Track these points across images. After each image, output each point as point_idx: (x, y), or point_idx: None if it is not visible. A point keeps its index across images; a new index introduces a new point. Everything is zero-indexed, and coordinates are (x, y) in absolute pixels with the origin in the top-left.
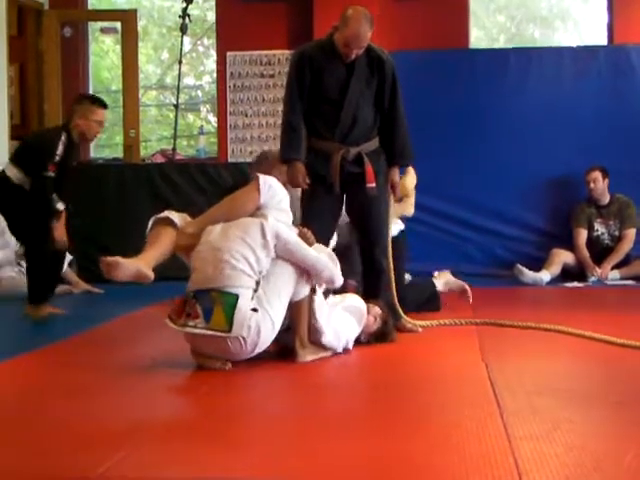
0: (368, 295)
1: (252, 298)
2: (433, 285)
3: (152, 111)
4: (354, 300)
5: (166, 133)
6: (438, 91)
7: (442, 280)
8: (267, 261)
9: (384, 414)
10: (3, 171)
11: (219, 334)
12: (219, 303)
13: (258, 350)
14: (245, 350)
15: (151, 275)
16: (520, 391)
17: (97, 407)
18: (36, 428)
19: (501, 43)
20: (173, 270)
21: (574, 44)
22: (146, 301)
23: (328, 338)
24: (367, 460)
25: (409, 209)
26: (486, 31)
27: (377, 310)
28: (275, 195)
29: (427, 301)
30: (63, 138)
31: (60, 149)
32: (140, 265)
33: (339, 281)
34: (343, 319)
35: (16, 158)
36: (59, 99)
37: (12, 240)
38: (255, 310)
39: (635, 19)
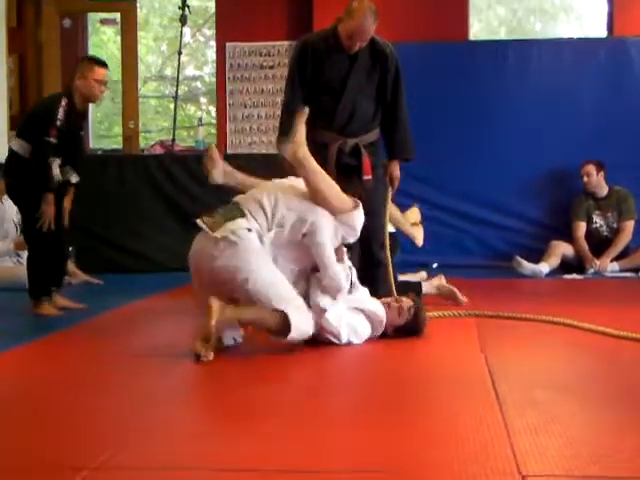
0: (367, 287)
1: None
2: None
3: (152, 102)
4: (375, 306)
5: (166, 124)
6: (437, 83)
7: (434, 284)
8: (287, 229)
9: (382, 406)
10: (10, 148)
11: (207, 231)
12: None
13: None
14: (216, 261)
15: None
16: (519, 383)
17: (96, 398)
18: (33, 419)
19: (502, 35)
20: (173, 262)
21: (575, 36)
22: (146, 292)
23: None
24: (365, 452)
25: (419, 239)
26: (486, 23)
27: (407, 302)
28: (352, 226)
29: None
30: (63, 103)
31: (61, 113)
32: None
33: (337, 296)
34: (357, 322)
35: (20, 130)
36: (58, 90)
37: (11, 230)
38: (249, 230)
39: (635, 11)
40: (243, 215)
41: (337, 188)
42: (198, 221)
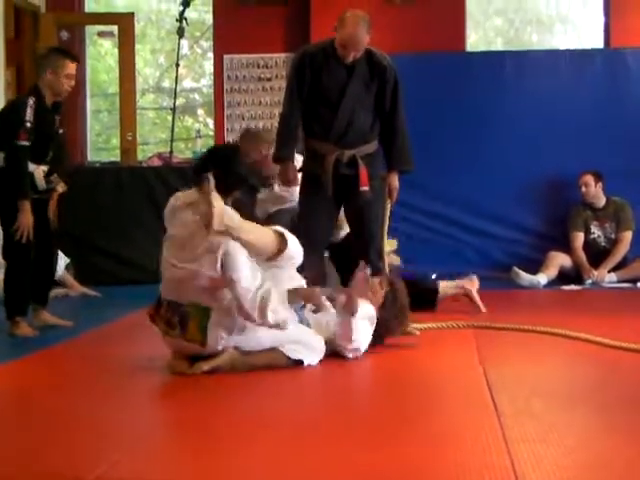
0: None
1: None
2: None
3: (149, 114)
4: (367, 308)
5: (164, 136)
6: (434, 94)
7: (460, 284)
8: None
9: (380, 417)
10: None
11: (196, 345)
12: (194, 316)
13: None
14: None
15: None
16: (517, 394)
17: (92, 409)
18: (30, 431)
19: (498, 46)
20: None
21: (571, 47)
22: (142, 303)
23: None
24: (362, 464)
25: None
26: (483, 34)
27: (376, 281)
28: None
29: None
30: (31, 102)
31: (29, 114)
32: None
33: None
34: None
35: None
36: None
37: None
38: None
39: (632, 22)
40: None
41: (265, 234)
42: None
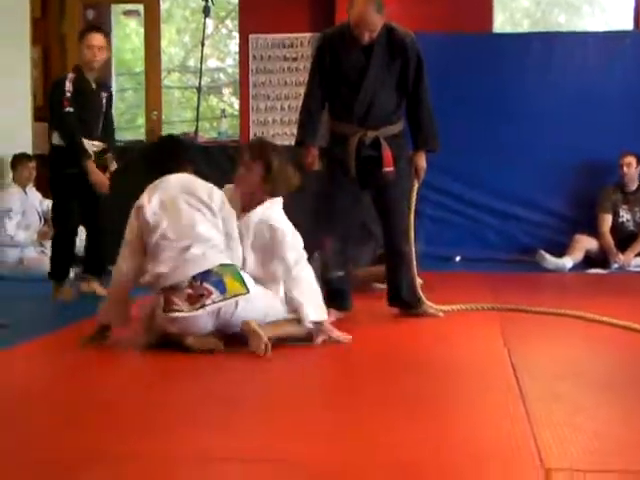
0: (389, 279)
1: None
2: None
3: (175, 93)
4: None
5: (189, 115)
6: (461, 75)
7: None
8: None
9: (403, 399)
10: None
11: (242, 297)
12: (227, 274)
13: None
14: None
15: None
16: (542, 377)
17: (101, 386)
18: (60, 411)
19: (525, 28)
20: None
21: (600, 29)
22: None
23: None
24: (385, 444)
25: None
26: (510, 15)
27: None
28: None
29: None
30: (70, 76)
31: (68, 85)
32: None
33: None
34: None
35: (49, 121)
36: None
37: (35, 221)
38: None
39: None
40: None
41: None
42: (214, 305)
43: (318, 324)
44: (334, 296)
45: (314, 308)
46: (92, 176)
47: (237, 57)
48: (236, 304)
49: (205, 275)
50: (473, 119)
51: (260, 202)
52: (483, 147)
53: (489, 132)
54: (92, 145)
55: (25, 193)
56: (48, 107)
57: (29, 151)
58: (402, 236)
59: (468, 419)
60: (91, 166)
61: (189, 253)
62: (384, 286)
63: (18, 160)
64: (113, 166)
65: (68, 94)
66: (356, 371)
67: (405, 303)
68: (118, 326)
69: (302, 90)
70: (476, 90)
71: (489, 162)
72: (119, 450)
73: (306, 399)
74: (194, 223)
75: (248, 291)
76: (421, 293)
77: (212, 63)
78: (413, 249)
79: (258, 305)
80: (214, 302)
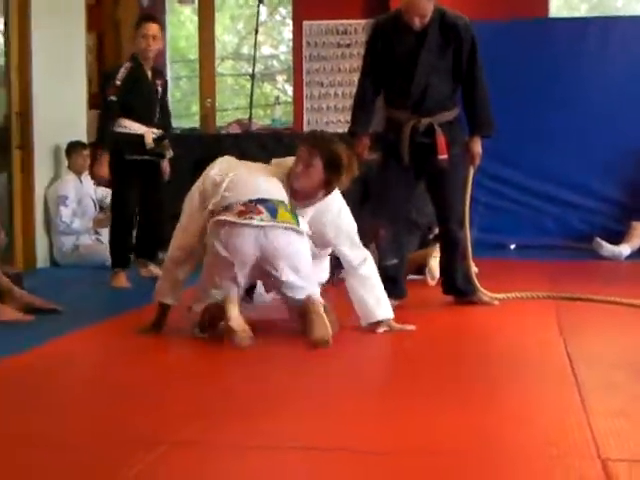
0: (444, 267)
1: None
2: None
3: (228, 81)
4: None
5: (242, 103)
6: (516, 62)
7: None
8: None
9: (458, 387)
10: None
11: (291, 226)
12: (282, 206)
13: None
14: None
15: None
16: (598, 366)
17: (176, 375)
18: (113, 395)
19: (582, 12)
20: None
21: None
22: None
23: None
24: (440, 432)
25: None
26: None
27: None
28: None
29: None
30: (126, 64)
31: (121, 73)
32: None
33: None
34: None
35: None
36: None
37: (90, 208)
38: None
39: None
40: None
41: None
42: (263, 222)
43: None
44: (389, 284)
45: (382, 307)
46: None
47: (291, 44)
48: (284, 237)
49: (261, 200)
50: (528, 106)
51: (314, 195)
52: (538, 134)
53: (544, 119)
54: (151, 132)
55: (80, 181)
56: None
57: (84, 139)
58: (457, 224)
59: (523, 408)
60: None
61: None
62: (417, 277)
63: (72, 148)
64: (169, 153)
65: (117, 82)
66: (411, 359)
67: (460, 292)
68: (171, 302)
69: (356, 77)
70: (531, 76)
71: (544, 149)
72: (177, 437)
73: (363, 386)
74: (258, 183)
75: (299, 226)
76: (476, 281)
77: (266, 50)
78: (469, 237)
79: (303, 251)
80: (262, 221)
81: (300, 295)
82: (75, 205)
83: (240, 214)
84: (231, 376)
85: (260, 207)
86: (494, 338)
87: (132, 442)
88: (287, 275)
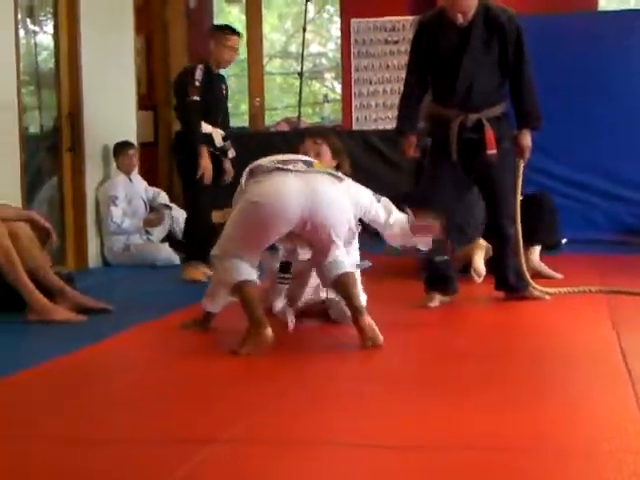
0: (495, 264)
1: None
2: None
3: (277, 79)
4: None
5: (291, 101)
6: (565, 57)
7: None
8: None
9: (509, 382)
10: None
11: (330, 171)
12: (314, 163)
13: None
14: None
15: None
16: None
17: (228, 371)
18: (168, 392)
19: (631, 4)
20: None
21: None
22: None
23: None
24: (491, 428)
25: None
26: None
27: None
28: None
29: None
30: (201, 66)
31: (198, 74)
32: None
33: None
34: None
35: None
36: None
37: (141, 207)
38: None
39: None
40: None
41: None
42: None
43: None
44: (439, 280)
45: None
46: (202, 160)
47: (339, 42)
48: (326, 181)
49: (298, 160)
50: (575, 100)
51: None
52: (587, 128)
53: (593, 113)
54: (218, 133)
55: (130, 180)
56: (175, 94)
57: (134, 140)
58: (508, 219)
59: (574, 404)
60: (203, 150)
61: None
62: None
63: (119, 148)
64: (232, 153)
65: (197, 83)
66: (461, 355)
67: (512, 288)
68: (215, 310)
69: (404, 74)
70: (581, 72)
71: (593, 143)
72: (228, 434)
73: (412, 383)
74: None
75: (338, 177)
76: (527, 276)
77: (314, 48)
78: (520, 231)
79: (345, 200)
80: (298, 170)
81: (340, 269)
82: (125, 205)
83: (278, 165)
84: (280, 377)
85: (295, 161)
86: (546, 333)
87: (184, 440)
88: (334, 241)
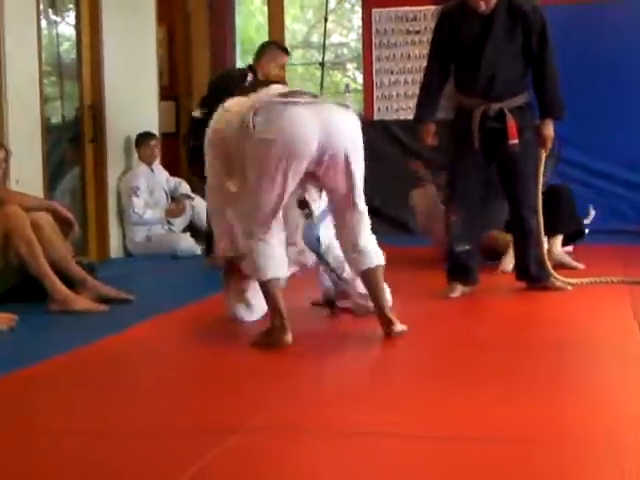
0: (517, 254)
1: None
2: None
3: (298, 70)
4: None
5: (313, 91)
6: (591, 47)
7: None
8: None
9: (529, 373)
10: (193, 117)
11: (339, 101)
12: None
13: None
14: None
15: None
16: None
17: (254, 360)
18: (193, 381)
19: None
20: None
21: None
22: None
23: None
24: (512, 419)
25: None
26: None
27: None
28: None
29: None
30: (249, 73)
31: (250, 82)
32: None
33: None
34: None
35: (205, 100)
36: (207, 59)
37: (162, 198)
38: None
39: None
40: None
41: None
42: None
43: None
44: (460, 270)
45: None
46: None
47: (360, 32)
48: (340, 111)
49: (302, 92)
50: (599, 89)
51: None
52: (615, 119)
53: (616, 102)
54: None
55: (152, 171)
56: (210, 89)
57: (156, 131)
58: (530, 210)
59: (595, 394)
60: None
61: None
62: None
63: (141, 139)
64: None
65: (247, 85)
66: (483, 345)
67: (533, 278)
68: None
69: (425, 64)
70: (606, 62)
71: (618, 132)
72: (250, 424)
73: (435, 373)
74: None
75: (345, 105)
76: (549, 266)
77: (335, 38)
78: (541, 222)
79: (359, 131)
80: (307, 101)
81: (369, 263)
82: (147, 195)
83: (281, 96)
84: (300, 368)
85: (300, 93)
86: (566, 324)
87: (206, 430)
88: (356, 204)
